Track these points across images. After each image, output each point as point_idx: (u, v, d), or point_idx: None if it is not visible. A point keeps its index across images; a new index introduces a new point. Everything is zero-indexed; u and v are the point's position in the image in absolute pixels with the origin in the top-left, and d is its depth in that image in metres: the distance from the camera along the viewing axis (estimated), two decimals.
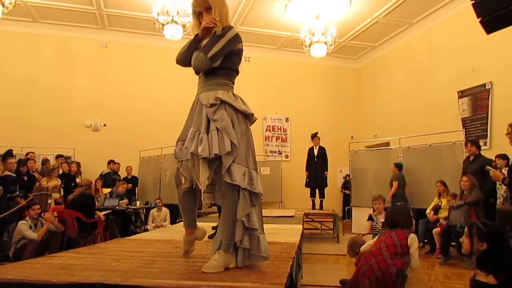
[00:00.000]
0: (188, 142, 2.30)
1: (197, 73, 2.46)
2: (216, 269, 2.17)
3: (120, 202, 7.96)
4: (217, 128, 2.24)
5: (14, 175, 6.57)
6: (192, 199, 2.49)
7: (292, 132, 12.20)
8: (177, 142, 2.46)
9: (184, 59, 2.49)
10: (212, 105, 2.28)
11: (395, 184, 7.55)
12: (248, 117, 2.42)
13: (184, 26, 8.22)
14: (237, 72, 2.48)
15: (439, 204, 6.66)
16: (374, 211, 5.98)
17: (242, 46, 2.42)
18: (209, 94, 2.33)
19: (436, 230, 6.18)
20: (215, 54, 2.27)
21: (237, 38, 2.36)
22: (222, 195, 2.31)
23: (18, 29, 10.09)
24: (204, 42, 2.39)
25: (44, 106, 10.06)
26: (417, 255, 3.63)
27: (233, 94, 2.40)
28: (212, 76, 2.39)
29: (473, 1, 2.23)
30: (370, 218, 5.98)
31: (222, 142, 2.20)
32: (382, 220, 5.35)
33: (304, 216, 7.69)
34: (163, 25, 8.18)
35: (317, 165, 8.89)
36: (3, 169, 6.54)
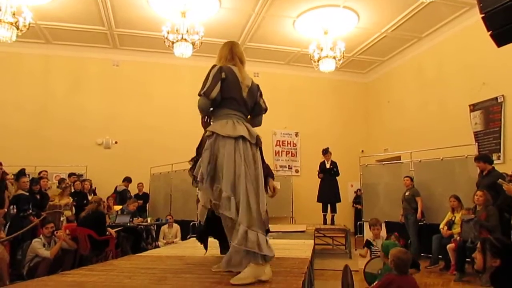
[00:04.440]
0: None
1: (205, 114, 2.77)
2: (243, 280, 2.23)
3: (135, 220, 8.00)
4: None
5: (27, 194, 6.64)
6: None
7: (302, 147, 12.18)
8: None
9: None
10: (208, 137, 2.60)
11: (419, 200, 7.46)
12: (243, 139, 2.56)
13: (193, 44, 8.36)
14: (235, 99, 2.67)
15: (453, 219, 6.54)
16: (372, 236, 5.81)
17: (224, 75, 2.64)
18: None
19: (450, 246, 6.05)
20: (207, 89, 2.58)
21: (220, 70, 2.64)
22: None
23: (32, 50, 10.34)
24: None
25: (56, 124, 10.22)
26: None
27: (227, 121, 2.60)
28: (213, 111, 2.72)
29: (483, 15, 2.23)
30: (368, 243, 5.77)
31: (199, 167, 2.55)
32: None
33: (316, 232, 7.61)
34: (173, 43, 8.31)
35: (329, 179, 8.81)
36: (17, 188, 6.61)
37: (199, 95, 2.61)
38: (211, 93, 2.57)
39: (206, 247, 3.29)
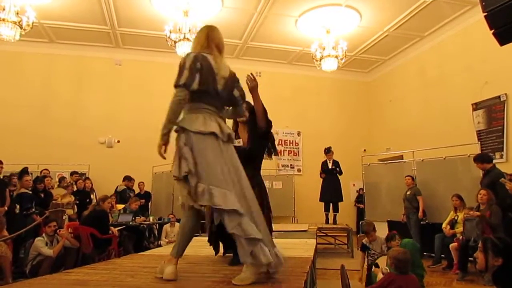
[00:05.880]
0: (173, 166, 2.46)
1: (181, 108, 2.45)
2: (245, 281, 2.20)
3: (137, 218, 8.03)
4: (178, 153, 2.38)
5: (30, 192, 6.66)
6: (191, 222, 2.44)
7: (304, 146, 12.17)
8: None
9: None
10: (176, 131, 2.43)
11: (421, 199, 7.46)
12: (215, 136, 2.38)
13: None
14: (209, 92, 2.45)
15: (455, 218, 6.53)
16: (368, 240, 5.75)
17: (200, 66, 2.41)
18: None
19: (453, 245, 6.05)
20: (187, 80, 2.36)
21: (195, 59, 2.41)
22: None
23: (35, 49, 10.37)
24: None
25: (59, 123, 10.25)
26: None
27: (197, 116, 2.42)
28: (188, 103, 2.45)
29: (486, 13, 2.22)
30: (364, 247, 5.66)
31: (180, 165, 2.34)
32: (383, 245, 5.24)
33: (318, 231, 7.61)
34: (175, 42, 8.32)
35: (331, 179, 8.81)
36: (20, 187, 6.64)
37: (177, 86, 2.38)
38: (192, 84, 2.37)
39: (217, 250, 3.28)
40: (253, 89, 3.05)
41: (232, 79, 2.60)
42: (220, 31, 2.69)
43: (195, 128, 2.36)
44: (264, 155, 3.41)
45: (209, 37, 2.58)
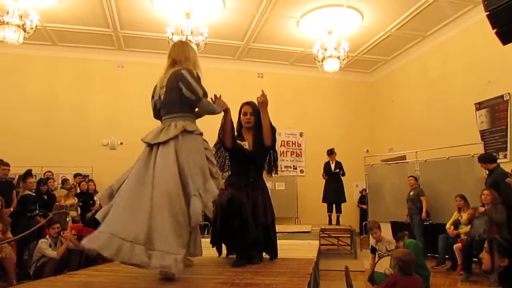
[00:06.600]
0: None
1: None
2: None
3: None
4: None
5: (34, 194, 6.68)
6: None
7: (307, 147, 12.16)
8: None
9: None
10: None
11: (424, 199, 7.44)
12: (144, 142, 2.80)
13: (198, 45, 8.36)
14: (158, 108, 2.83)
15: (459, 219, 6.51)
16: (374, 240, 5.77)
17: (152, 94, 2.87)
18: None
19: (457, 246, 6.02)
20: None
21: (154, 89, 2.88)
22: None
23: (39, 52, 10.40)
24: None
25: (62, 126, 10.28)
26: None
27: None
28: None
29: (488, 12, 2.22)
30: (373, 249, 5.70)
31: None
32: (388, 245, 5.25)
33: (321, 232, 7.60)
34: None
35: (334, 180, 8.80)
36: (23, 189, 6.67)
37: None
38: (153, 113, 2.90)
39: (220, 251, 3.29)
40: (261, 105, 3.21)
41: (175, 79, 2.65)
42: (182, 44, 2.94)
43: None
44: (264, 171, 3.46)
45: (170, 55, 2.81)
